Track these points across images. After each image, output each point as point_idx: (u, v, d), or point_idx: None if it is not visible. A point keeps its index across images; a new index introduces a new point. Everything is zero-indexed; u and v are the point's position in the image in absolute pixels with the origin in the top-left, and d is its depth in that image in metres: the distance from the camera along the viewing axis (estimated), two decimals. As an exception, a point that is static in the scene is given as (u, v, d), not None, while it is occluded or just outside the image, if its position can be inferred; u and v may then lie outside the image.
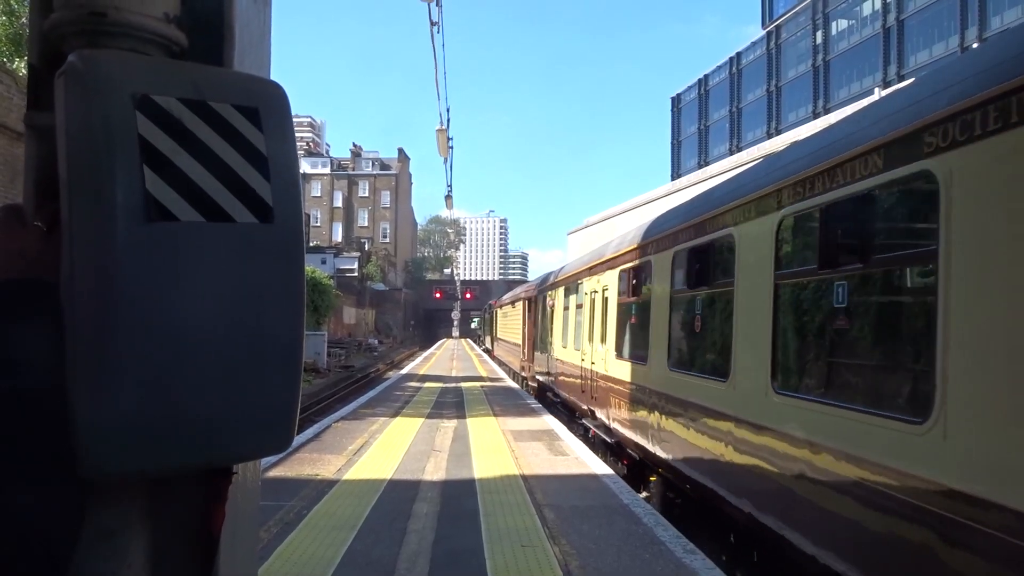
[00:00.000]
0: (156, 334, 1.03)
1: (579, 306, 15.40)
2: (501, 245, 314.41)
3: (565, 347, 16.98)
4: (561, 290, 18.01)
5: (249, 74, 1.25)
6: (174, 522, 1.20)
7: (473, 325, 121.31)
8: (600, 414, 12.83)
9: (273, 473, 10.00)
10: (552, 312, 19.85)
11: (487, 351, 54.89)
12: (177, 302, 1.04)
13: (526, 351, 27.02)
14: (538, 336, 23.45)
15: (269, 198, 1.10)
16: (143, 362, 1.03)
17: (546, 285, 22.05)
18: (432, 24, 11.06)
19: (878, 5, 60.23)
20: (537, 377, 23.48)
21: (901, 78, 53.28)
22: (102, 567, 1.13)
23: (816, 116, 57.12)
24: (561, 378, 17.74)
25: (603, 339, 12.55)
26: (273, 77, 1.33)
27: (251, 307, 1.07)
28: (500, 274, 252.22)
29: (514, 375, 31.60)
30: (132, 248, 1.03)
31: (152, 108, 1.06)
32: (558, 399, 18.86)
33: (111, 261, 1.02)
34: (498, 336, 44.23)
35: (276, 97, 1.15)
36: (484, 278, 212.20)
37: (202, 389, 1.05)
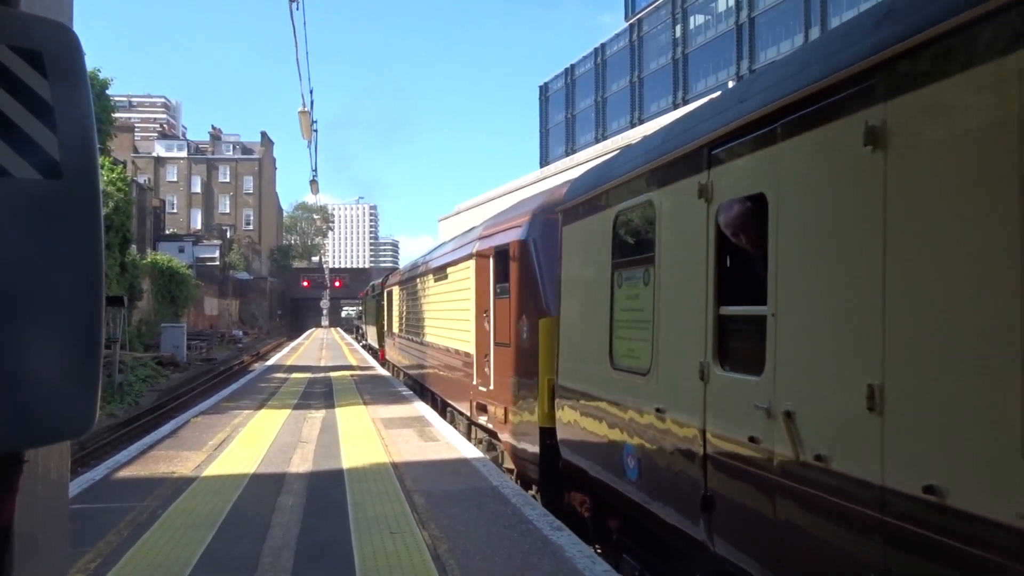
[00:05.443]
0: None
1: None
2: (371, 232, 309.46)
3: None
4: None
5: (32, 14, 1.10)
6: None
7: (346, 314, 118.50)
8: None
9: (123, 473, 9.42)
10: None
11: (367, 348, 42.34)
12: None
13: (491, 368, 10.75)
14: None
15: (56, 152, 0.98)
16: None
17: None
18: (292, 0, 10.62)
19: (732, 2, 63.40)
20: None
21: (752, 72, 56.39)
22: None
23: (676, 107, 59.56)
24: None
25: None
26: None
27: (34, 272, 0.94)
28: (371, 262, 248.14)
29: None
30: None
31: None
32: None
33: None
34: (393, 330, 26.79)
35: (65, 42, 1.02)
36: (354, 266, 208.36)
37: None
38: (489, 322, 10.61)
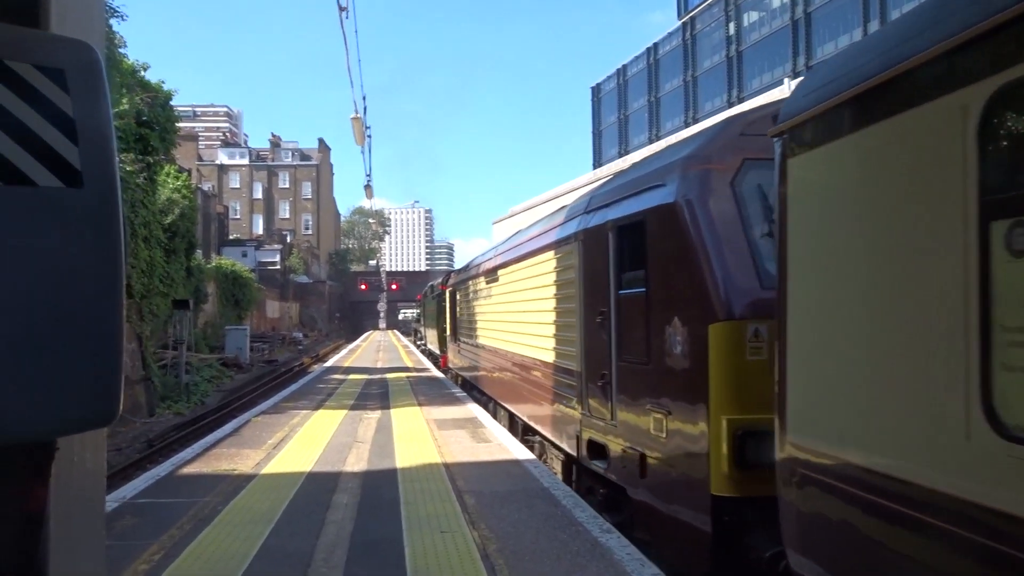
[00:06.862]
0: None
1: None
2: (427, 235, 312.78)
3: None
4: None
5: (55, 35, 1.20)
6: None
7: (403, 317, 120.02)
8: None
9: (187, 470, 9.74)
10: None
11: (426, 352, 39.93)
12: None
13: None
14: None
15: (77, 162, 1.06)
16: None
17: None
18: (341, 10, 10.85)
19: (787, -3, 62.12)
20: None
21: (809, 68, 55.17)
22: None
23: (731, 105, 58.64)
24: None
25: None
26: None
27: (56, 275, 1.03)
28: (427, 264, 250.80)
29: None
30: None
31: None
32: None
33: None
34: (459, 336, 22.14)
35: (87, 60, 1.11)
36: (411, 269, 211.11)
37: None
38: (609, 328, 7.58)
